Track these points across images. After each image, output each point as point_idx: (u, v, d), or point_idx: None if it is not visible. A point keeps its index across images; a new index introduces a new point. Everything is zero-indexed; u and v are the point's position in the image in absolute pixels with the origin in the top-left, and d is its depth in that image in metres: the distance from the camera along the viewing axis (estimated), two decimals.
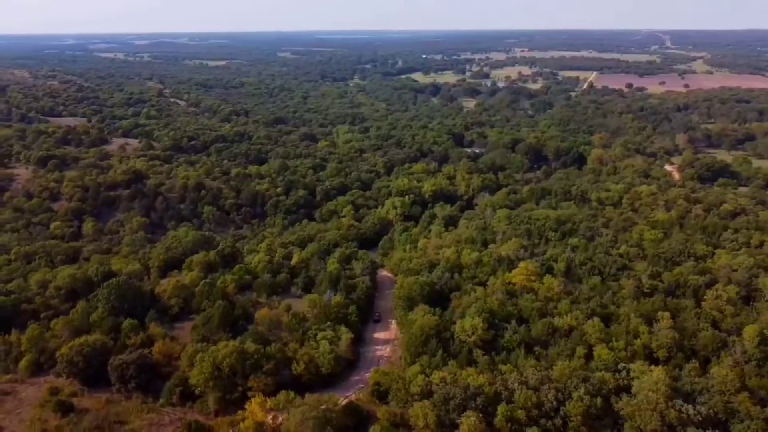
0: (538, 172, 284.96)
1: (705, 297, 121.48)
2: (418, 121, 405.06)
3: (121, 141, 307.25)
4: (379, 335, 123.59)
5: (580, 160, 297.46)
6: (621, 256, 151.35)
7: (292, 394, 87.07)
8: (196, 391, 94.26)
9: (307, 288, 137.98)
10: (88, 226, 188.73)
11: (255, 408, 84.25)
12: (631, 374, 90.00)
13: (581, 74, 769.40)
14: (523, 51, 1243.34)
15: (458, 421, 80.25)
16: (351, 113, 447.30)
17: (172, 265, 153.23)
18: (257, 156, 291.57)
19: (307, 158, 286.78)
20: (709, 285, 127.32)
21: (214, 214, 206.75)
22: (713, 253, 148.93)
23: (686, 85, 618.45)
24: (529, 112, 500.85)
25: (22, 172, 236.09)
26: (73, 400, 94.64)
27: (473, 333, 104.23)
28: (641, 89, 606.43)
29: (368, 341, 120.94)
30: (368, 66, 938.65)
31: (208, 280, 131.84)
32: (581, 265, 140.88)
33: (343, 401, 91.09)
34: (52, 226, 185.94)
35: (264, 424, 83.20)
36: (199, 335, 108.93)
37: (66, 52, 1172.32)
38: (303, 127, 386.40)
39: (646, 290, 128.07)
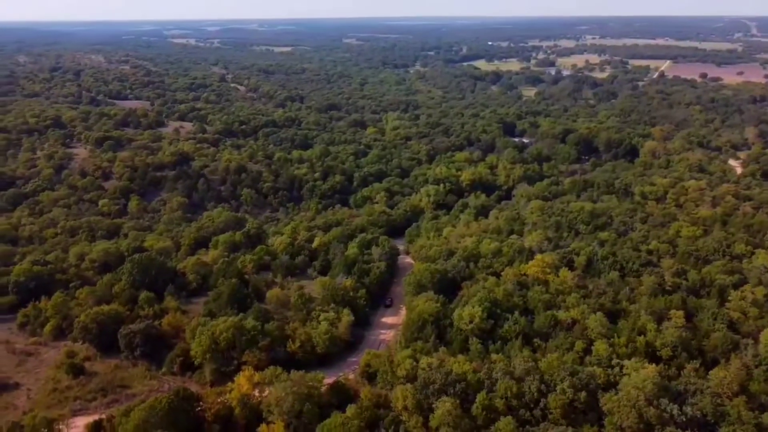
0: (586, 164, 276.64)
1: (730, 297, 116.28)
2: (472, 109, 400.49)
3: (177, 124, 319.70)
4: (387, 320, 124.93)
5: (633, 153, 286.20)
6: (650, 252, 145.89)
7: (279, 369, 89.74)
8: (195, 362, 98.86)
9: (324, 271, 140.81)
10: (133, 204, 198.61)
11: (243, 381, 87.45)
12: (624, 371, 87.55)
13: (653, 63, 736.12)
14: (593, 38, 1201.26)
15: (434, 405, 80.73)
16: (405, 100, 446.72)
17: (202, 243, 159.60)
18: (303, 141, 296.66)
19: (351, 144, 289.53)
20: (738, 285, 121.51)
21: (252, 197, 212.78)
22: (752, 253, 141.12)
23: (767, 76, 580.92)
24: (591, 102, 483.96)
25: (81, 152, 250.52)
26: (85, 364, 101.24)
27: (471, 321, 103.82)
28: (716, 79, 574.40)
29: (375, 325, 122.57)
30: (431, 53, 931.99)
31: (227, 259, 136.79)
32: (603, 260, 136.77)
33: (331, 380, 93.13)
34: (100, 203, 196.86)
35: (249, 396, 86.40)
36: (207, 310, 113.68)
37: (142, 38, 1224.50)
38: (355, 114, 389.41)
39: (668, 288, 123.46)
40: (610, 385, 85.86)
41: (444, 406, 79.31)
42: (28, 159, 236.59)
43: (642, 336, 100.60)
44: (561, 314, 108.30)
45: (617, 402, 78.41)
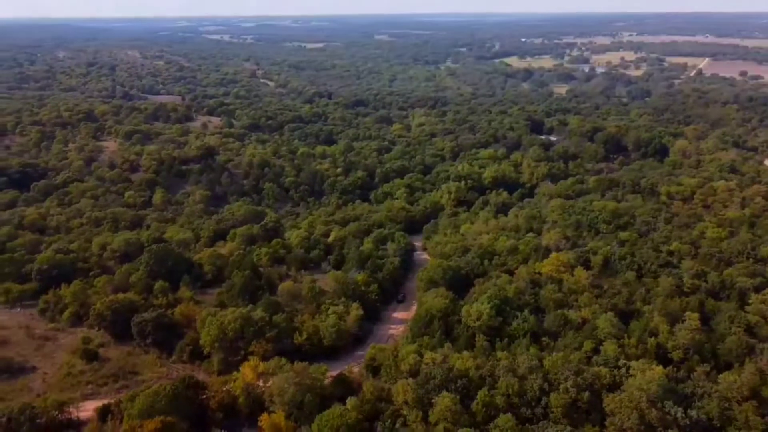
0: (614, 162, 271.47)
1: (750, 301, 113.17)
2: (500, 107, 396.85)
3: (205, 119, 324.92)
4: (398, 315, 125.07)
5: (663, 152, 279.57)
6: (671, 253, 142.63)
7: (283, 360, 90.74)
8: (204, 351, 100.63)
9: (338, 265, 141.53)
10: (157, 196, 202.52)
11: (247, 370, 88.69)
12: (630, 372, 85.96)
13: (691, 60, 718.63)
14: (630, 35, 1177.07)
15: (434, 400, 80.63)
16: (434, 97, 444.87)
17: (221, 235, 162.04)
18: (328, 137, 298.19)
19: (376, 140, 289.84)
20: (760, 289, 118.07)
21: (274, 191, 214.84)
22: None
23: None
24: (624, 100, 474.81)
25: (111, 145, 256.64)
26: (99, 350, 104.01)
27: (479, 318, 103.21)
28: (757, 77, 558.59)
29: (386, 319, 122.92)
30: (463, 49, 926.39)
31: (242, 251, 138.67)
32: (621, 260, 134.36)
33: (336, 373, 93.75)
34: (126, 195, 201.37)
35: (253, 386, 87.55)
36: (218, 301, 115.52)
37: (178, 34, 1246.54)
38: (382, 110, 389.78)
39: (686, 289, 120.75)
40: (615, 386, 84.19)
41: (443, 402, 79.11)
42: (60, 151, 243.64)
43: (653, 337, 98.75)
44: (572, 314, 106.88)
45: (619, 403, 77.10)
